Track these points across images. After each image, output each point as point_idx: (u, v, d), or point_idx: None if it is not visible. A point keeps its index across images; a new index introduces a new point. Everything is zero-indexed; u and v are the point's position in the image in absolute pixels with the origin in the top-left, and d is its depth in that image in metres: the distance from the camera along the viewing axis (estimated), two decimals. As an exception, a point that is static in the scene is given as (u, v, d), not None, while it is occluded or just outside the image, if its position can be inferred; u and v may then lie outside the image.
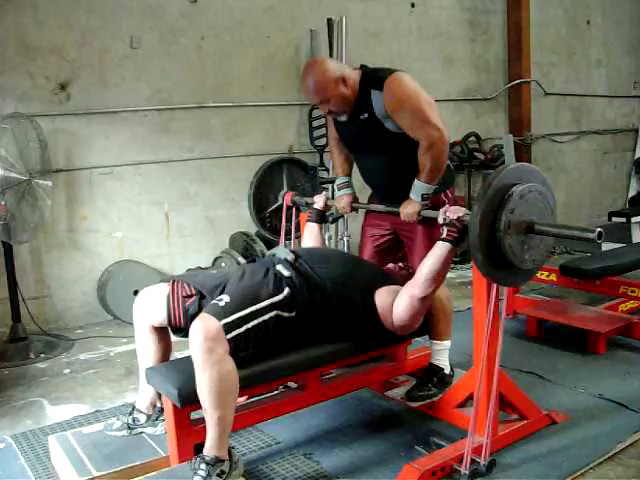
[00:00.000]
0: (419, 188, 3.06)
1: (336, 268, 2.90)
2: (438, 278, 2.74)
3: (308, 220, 3.55)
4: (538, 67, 7.77)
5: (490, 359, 2.72)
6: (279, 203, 3.75)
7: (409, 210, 3.08)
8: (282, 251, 2.99)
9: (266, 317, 2.62)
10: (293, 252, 2.96)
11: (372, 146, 3.21)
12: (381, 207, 3.32)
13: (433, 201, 3.14)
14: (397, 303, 2.80)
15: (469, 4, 7.23)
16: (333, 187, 3.61)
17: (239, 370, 2.46)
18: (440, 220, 2.75)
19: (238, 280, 2.75)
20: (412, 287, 2.77)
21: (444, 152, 3.08)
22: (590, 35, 8.41)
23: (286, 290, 2.72)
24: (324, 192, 3.58)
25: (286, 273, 2.79)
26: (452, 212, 2.70)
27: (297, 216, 3.73)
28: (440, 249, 2.70)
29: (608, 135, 8.75)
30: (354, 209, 3.52)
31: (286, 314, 2.68)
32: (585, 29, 8.35)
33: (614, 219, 6.99)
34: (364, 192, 3.56)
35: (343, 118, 3.22)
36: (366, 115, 3.11)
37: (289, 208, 3.74)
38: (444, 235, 2.70)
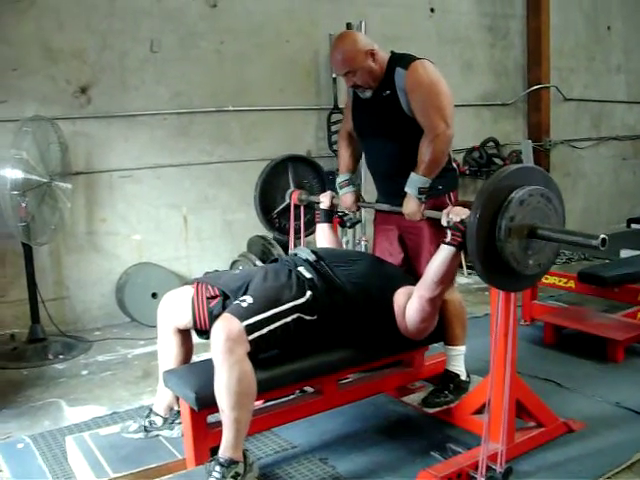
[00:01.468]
0: (415, 181, 3.03)
1: (357, 270, 2.92)
2: (445, 280, 2.72)
3: (317, 222, 3.55)
4: (557, 72, 7.73)
5: (503, 365, 2.71)
6: (286, 203, 3.72)
7: (411, 208, 3.06)
8: (304, 251, 3.00)
9: (288, 319, 2.63)
10: (314, 252, 2.97)
11: (385, 128, 3.21)
12: (385, 206, 3.33)
13: (437, 203, 3.14)
14: (409, 306, 2.81)
15: (488, 9, 7.22)
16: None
17: (257, 373, 2.47)
18: (444, 222, 2.71)
19: (261, 281, 2.77)
20: (420, 289, 2.76)
21: (446, 146, 3.07)
22: (610, 41, 8.36)
23: (308, 293, 2.73)
24: (329, 190, 3.55)
25: (308, 275, 2.81)
26: (455, 214, 2.64)
27: (306, 214, 3.71)
28: (444, 253, 2.66)
29: (628, 141, 8.69)
30: (359, 208, 3.52)
31: (308, 317, 2.70)
32: (605, 34, 8.30)
33: (633, 226, 6.94)
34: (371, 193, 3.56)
35: (367, 94, 3.23)
36: (388, 92, 3.13)
37: (297, 207, 3.71)
38: (448, 239, 2.65)
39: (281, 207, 3.71)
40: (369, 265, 3.03)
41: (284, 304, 2.66)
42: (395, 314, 2.86)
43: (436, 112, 3.02)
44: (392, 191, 3.23)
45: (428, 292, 2.73)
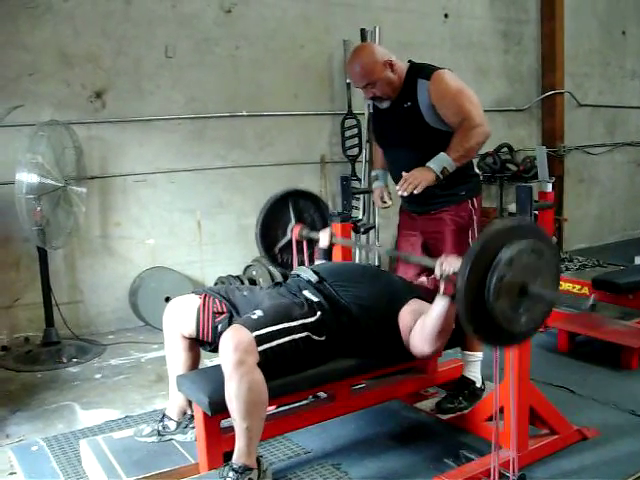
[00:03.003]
0: (442, 160, 3.03)
1: (361, 292, 2.87)
2: (445, 332, 2.62)
3: (316, 259, 3.48)
4: (571, 78, 7.71)
5: (517, 372, 2.70)
6: (288, 238, 3.62)
7: (423, 176, 3.01)
8: (305, 272, 2.98)
9: (297, 336, 2.61)
10: (316, 273, 2.95)
11: (406, 139, 3.22)
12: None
13: (459, 210, 3.15)
14: (412, 339, 2.72)
15: (502, 14, 7.21)
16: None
17: (269, 380, 2.47)
18: (437, 273, 2.54)
19: (271, 300, 2.78)
20: (420, 342, 2.68)
21: (483, 140, 3.09)
22: (625, 46, 8.32)
23: (318, 314, 2.72)
24: (329, 228, 3.49)
25: (315, 299, 2.79)
26: (449, 264, 2.49)
27: (308, 248, 3.61)
28: (440, 304, 2.55)
29: (642, 147, 8.65)
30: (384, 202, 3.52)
31: (316, 337, 2.68)
32: (620, 39, 8.27)
33: (648, 231, 6.92)
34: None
35: (385, 105, 3.25)
36: (409, 104, 3.15)
37: (299, 242, 3.60)
38: (442, 291, 2.53)
39: (282, 242, 3.63)
40: (373, 285, 2.96)
41: (294, 320, 2.65)
42: (401, 333, 2.80)
43: (472, 108, 3.06)
44: (414, 199, 3.23)
45: (429, 346, 2.66)
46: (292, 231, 3.58)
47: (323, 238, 3.42)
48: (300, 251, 3.59)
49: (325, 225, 3.60)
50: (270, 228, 3.59)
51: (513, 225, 2.37)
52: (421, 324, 2.67)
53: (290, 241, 3.59)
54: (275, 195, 3.61)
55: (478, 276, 2.22)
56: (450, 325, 2.62)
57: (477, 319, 2.26)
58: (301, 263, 3.58)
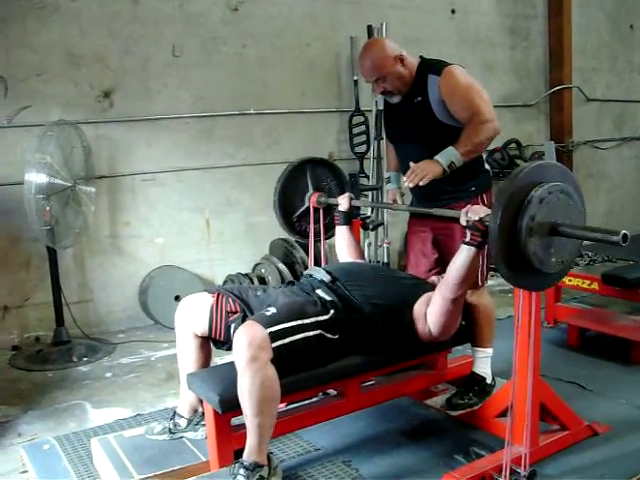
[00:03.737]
0: (451, 154, 3.02)
1: (373, 289, 2.89)
2: (467, 280, 2.67)
3: (336, 224, 3.51)
4: (579, 73, 7.67)
5: (527, 368, 2.69)
6: (306, 206, 3.67)
7: (430, 167, 3.01)
8: (318, 272, 2.99)
9: (310, 334, 2.61)
10: (329, 273, 2.95)
11: (416, 134, 3.23)
12: (403, 207, 3.37)
13: (469, 204, 3.14)
14: (430, 309, 2.78)
15: (509, 10, 7.19)
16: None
17: (282, 377, 2.47)
18: (462, 222, 2.63)
19: (284, 298, 2.78)
20: (442, 290, 2.73)
21: (492, 136, 3.09)
22: (633, 40, 8.29)
23: (332, 312, 2.72)
24: (348, 192, 3.52)
25: (328, 297, 2.80)
26: (474, 213, 2.58)
27: (325, 217, 3.66)
28: (465, 253, 2.60)
29: (651, 142, 8.61)
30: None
31: (329, 335, 2.68)
32: (628, 34, 8.23)
33: (657, 226, 6.87)
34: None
35: (396, 100, 3.25)
36: (420, 99, 3.15)
37: (316, 210, 3.65)
38: (467, 239, 2.59)
39: (300, 210, 3.68)
40: (385, 284, 2.98)
41: (308, 318, 2.65)
42: (415, 325, 2.83)
43: (482, 104, 3.05)
44: (424, 194, 3.23)
45: (451, 293, 2.69)
46: (310, 199, 3.63)
47: (343, 202, 3.44)
48: (317, 220, 3.64)
49: (342, 192, 3.62)
50: (288, 196, 3.64)
51: (543, 164, 2.49)
52: (443, 280, 2.73)
53: (308, 209, 3.64)
54: (292, 163, 3.66)
55: (511, 216, 2.30)
56: (473, 274, 2.69)
57: (510, 259, 2.32)
58: (317, 231, 3.64)
